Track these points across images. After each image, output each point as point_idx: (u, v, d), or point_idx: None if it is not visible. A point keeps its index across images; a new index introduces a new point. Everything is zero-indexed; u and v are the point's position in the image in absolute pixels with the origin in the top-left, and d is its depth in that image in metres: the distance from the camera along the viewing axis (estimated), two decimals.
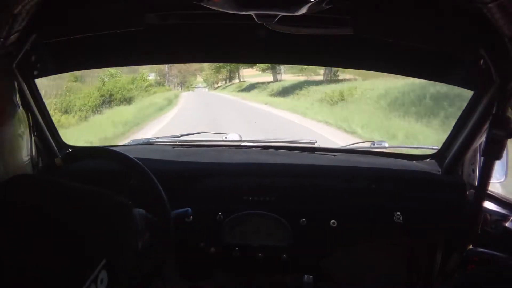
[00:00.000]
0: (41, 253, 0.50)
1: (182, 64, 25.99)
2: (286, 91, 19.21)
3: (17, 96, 1.21)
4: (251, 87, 25.82)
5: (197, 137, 2.00)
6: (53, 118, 1.56)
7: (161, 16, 1.22)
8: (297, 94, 17.46)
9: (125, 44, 1.39)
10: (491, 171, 1.27)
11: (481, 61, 1.16)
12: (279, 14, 1.05)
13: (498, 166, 1.36)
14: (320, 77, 19.77)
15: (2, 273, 0.47)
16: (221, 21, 1.21)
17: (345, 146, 2.01)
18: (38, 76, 1.39)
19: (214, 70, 32.00)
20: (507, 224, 1.25)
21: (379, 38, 1.24)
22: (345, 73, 17.05)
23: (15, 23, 0.91)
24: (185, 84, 35.61)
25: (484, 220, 1.31)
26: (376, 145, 1.88)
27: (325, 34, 1.26)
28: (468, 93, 1.40)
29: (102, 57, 1.54)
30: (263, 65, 24.01)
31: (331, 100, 13.46)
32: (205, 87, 35.70)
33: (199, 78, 38.55)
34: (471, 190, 1.41)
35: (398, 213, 1.43)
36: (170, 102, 17.90)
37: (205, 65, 27.04)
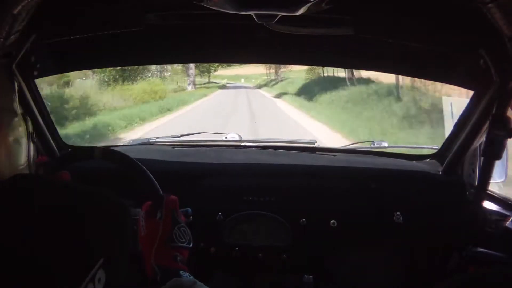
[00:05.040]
0: (40, 252, 0.50)
1: None
2: None
3: (17, 96, 1.21)
4: None
5: (197, 137, 2.00)
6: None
7: (161, 16, 1.22)
8: None
9: (125, 44, 1.39)
10: (491, 171, 1.27)
11: (481, 61, 1.15)
12: (279, 14, 1.05)
13: (498, 166, 1.36)
14: None
15: (4, 270, 0.47)
16: (221, 21, 1.21)
17: (345, 146, 2.01)
18: (38, 76, 1.39)
19: None
20: (507, 224, 1.25)
21: (379, 38, 1.24)
22: None
23: (15, 23, 0.91)
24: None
25: (484, 220, 1.30)
26: (376, 145, 1.88)
27: (325, 34, 1.26)
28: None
29: (102, 57, 1.54)
30: None
31: None
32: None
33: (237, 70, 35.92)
34: (471, 190, 1.41)
35: (398, 213, 1.43)
36: None
37: None
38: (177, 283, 0.80)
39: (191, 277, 0.85)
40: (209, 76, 32.95)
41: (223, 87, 28.33)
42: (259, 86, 29.51)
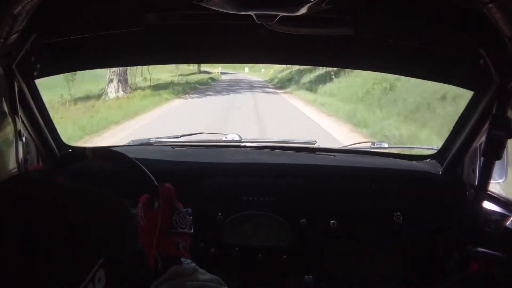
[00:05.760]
0: (39, 253, 0.50)
1: None
2: None
3: (17, 96, 1.21)
4: None
5: (197, 138, 2.01)
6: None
7: (161, 16, 1.22)
8: None
9: (125, 44, 1.39)
10: (491, 171, 1.28)
11: (481, 61, 1.16)
12: (279, 14, 1.05)
13: (498, 166, 1.36)
14: None
15: (3, 270, 0.47)
16: (221, 21, 1.21)
17: (345, 146, 2.01)
18: (38, 76, 1.39)
19: None
20: (507, 224, 1.25)
21: (379, 38, 1.24)
22: None
23: (15, 23, 0.91)
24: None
25: (484, 220, 1.30)
26: (376, 146, 1.88)
27: (325, 34, 1.26)
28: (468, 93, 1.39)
29: (102, 57, 1.54)
30: None
31: None
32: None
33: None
34: (471, 190, 1.41)
35: (398, 213, 1.43)
36: None
37: None
38: (177, 271, 0.79)
39: (193, 264, 0.84)
40: (199, 64, 22.31)
41: (202, 86, 17.18)
42: (278, 85, 18.85)
